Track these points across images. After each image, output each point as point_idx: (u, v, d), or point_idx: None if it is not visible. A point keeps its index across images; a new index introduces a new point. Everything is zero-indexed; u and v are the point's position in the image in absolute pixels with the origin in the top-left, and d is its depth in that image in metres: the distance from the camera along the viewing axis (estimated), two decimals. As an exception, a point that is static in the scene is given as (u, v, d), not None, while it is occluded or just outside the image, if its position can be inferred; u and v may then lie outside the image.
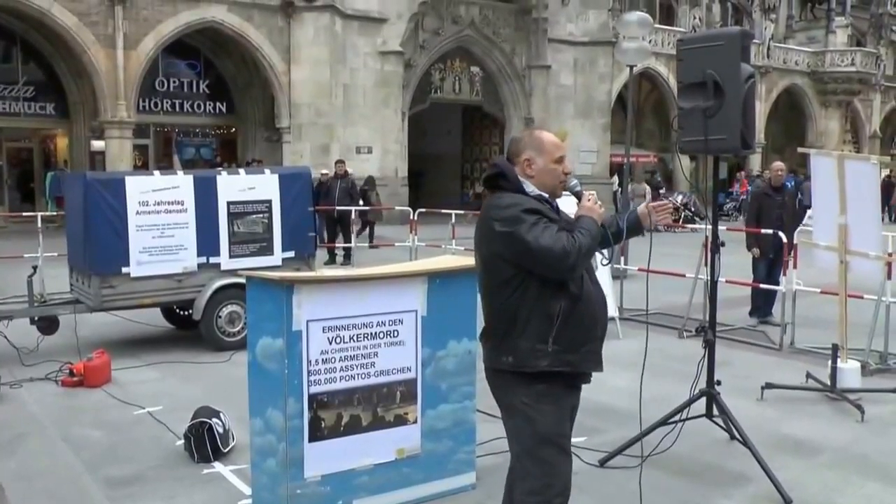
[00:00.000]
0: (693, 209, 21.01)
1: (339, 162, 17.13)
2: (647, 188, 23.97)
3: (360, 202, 16.72)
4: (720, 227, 5.36)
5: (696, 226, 12.81)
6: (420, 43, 26.04)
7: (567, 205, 3.36)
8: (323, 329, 4.10)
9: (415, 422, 4.43)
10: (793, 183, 21.66)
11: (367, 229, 17.97)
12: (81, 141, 24.27)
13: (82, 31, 20.60)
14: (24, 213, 18.95)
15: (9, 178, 24.62)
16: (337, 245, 15.66)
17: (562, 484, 3.19)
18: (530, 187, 3.22)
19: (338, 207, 15.42)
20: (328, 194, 15.79)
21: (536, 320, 3.09)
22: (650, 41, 26.54)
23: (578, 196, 3.31)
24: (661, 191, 25.28)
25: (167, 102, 25.29)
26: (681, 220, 23.32)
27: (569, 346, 3.11)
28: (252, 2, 22.87)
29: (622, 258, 10.84)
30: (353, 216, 15.17)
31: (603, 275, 8.92)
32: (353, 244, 15.14)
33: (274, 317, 4.07)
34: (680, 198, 25.77)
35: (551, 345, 3.08)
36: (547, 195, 3.24)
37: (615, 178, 29.09)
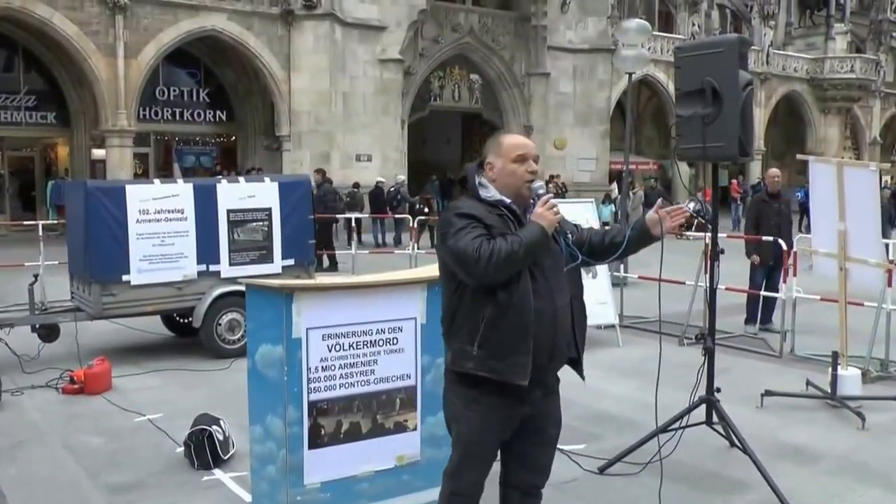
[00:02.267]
0: (706, 217, 20.86)
1: (316, 171, 17.24)
2: (642, 195, 23.69)
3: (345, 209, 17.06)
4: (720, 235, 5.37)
5: (693, 233, 12.85)
6: (419, 51, 26.10)
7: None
8: (322, 336, 4.10)
9: (415, 429, 4.43)
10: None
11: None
12: (82, 149, 24.33)
13: (83, 40, 20.64)
14: (26, 222, 19.01)
15: (10, 186, 24.67)
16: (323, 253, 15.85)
17: (461, 486, 3.27)
18: (490, 192, 3.20)
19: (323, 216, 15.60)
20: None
21: (468, 322, 3.13)
22: (649, 48, 26.62)
23: (537, 199, 3.21)
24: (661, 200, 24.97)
25: (167, 111, 25.33)
26: (693, 228, 23.18)
27: (493, 354, 3.10)
28: (252, 10, 22.93)
29: (622, 265, 10.85)
30: (336, 225, 15.37)
31: (602, 282, 8.97)
32: (335, 251, 15.32)
33: (273, 324, 4.07)
34: (692, 205, 25.57)
35: (476, 349, 3.11)
36: (509, 200, 3.19)
37: (614, 185, 29.10)
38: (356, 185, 21.49)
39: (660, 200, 3.45)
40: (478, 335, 3.10)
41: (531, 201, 3.21)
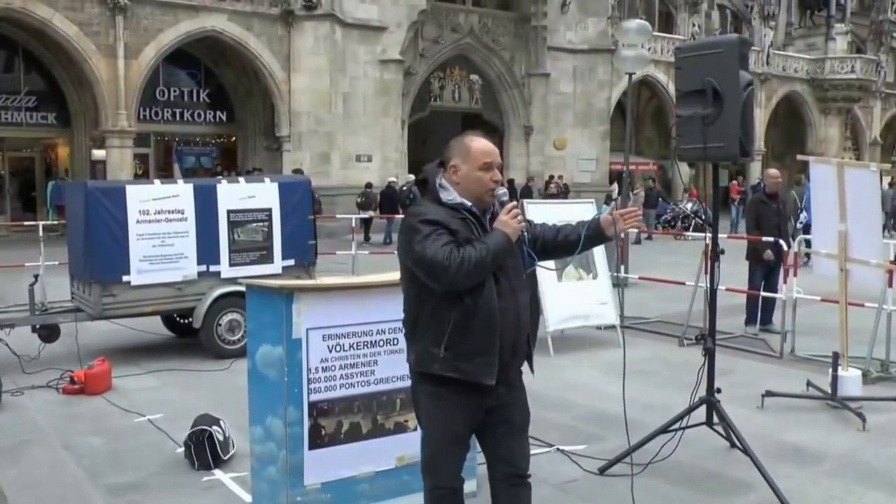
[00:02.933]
0: (703, 217, 20.84)
1: (294, 171, 17.28)
2: (642, 195, 23.57)
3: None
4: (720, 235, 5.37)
5: (693, 234, 12.85)
6: (419, 51, 26.11)
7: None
8: (323, 337, 4.11)
9: (415, 429, 4.41)
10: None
11: None
12: (82, 150, 24.33)
13: (83, 41, 20.66)
14: (26, 222, 19.01)
15: (10, 187, 24.67)
16: None
17: (439, 479, 3.30)
18: (451, 195, 3.21)
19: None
20: None
21: (433, 325, 3.16)
22: (649, 49, 26.62)
23: (500, 206, 3.22)
24: (661, 200, 24.91)
25: (167, 111, 25.33)
26: (690, 228, 23.17)
27: (461, 355, 3.13)
28: (252, 11, 22.94)
29: (622, 266, 10.84)
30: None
31: (602, 282, 8.97)
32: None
33: (274, 325, 4.08)
34: (689, 206, 25.57)
35: (443, 351, 3.14)
36: (471, 204, 3.21)
37: (614, 186, 29.10)
38: (368, 185, 21.54)
39: (614, 203, 3.51)
40: (444, 338, 3.12)
41: (494, 205, 3.24)
